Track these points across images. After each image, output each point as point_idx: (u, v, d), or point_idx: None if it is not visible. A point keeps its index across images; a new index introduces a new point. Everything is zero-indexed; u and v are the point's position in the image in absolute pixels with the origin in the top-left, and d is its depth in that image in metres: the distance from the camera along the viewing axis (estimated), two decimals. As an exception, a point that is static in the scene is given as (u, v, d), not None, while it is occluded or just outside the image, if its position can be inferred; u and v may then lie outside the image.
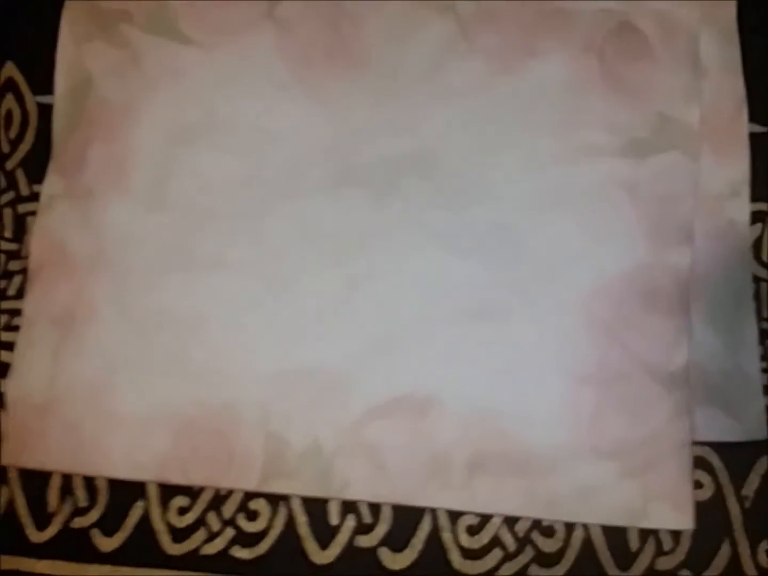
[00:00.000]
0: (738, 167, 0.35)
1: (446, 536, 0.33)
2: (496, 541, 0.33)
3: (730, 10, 0.36)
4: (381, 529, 0.33)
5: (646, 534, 0.33)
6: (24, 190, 0.36)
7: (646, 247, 0.34)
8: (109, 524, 0.33)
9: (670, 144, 0.35)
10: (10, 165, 0.36)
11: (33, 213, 0.36)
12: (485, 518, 0.33)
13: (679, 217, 0.35)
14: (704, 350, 0.34)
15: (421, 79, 0.36)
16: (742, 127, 0.36)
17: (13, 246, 0.36)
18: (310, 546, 0.33)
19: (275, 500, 0.33)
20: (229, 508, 0.33)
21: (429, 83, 0.36)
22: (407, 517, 0.33)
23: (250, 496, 0.33)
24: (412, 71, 0.36)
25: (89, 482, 0.33)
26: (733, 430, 0.33)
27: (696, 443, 0.33)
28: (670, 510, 0.32)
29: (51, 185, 0.35)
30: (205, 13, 0.36)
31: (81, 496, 0.33)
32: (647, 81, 0.36)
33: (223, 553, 0.33)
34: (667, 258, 0.34)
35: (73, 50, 0.36)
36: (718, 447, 0.33)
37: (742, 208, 0.35)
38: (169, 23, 0.36)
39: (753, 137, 0.36)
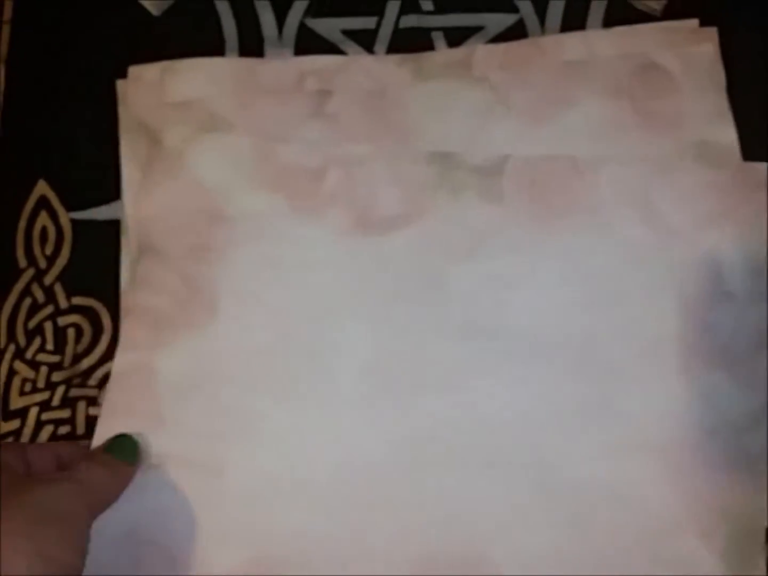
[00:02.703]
0: (758, 399, 0.35)
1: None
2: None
3: (761, 236, 0.36)
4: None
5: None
6: (63, 304, 0.38)
7: None
8: None
9: (713, 167, 0.37)
10: (48, 280, 0.38)
11: (72, 325, 0.38)
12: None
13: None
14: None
15: (464, 143, 0.38)
16: (764, 357, 0.35)
17: (55, 358, 0.37)
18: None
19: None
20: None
21: (472, 145, 0.38)
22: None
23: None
24: (455, 138, 0.38)
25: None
26: None
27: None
28: None
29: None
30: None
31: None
32: (680, 112, 0.37)
33: None
34: None
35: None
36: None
37: (758, 441, 0.34)
38: None
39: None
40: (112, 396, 0.36)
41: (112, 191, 0.39)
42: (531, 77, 0.38)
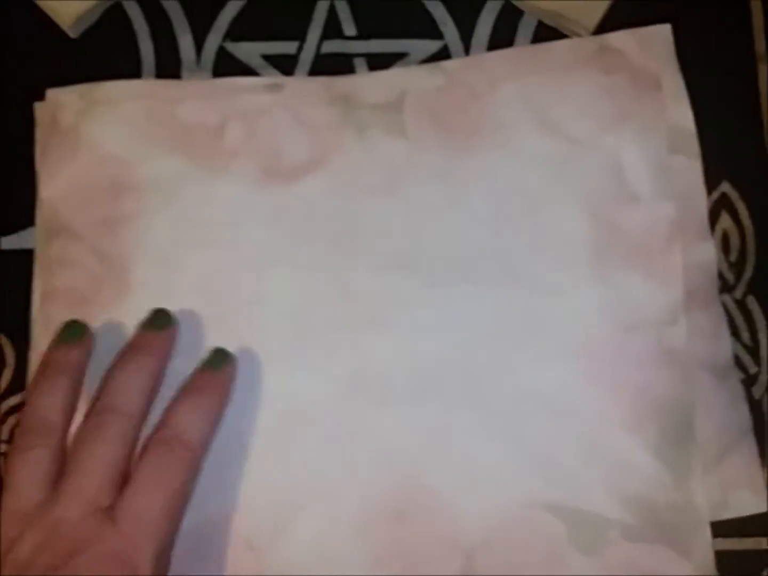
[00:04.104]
0: (674, 294, 0.35)
1: None
2: None
3: (661, 136, 0.36)
4: None
5: None
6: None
7: None
8: None
9: (672, 149, 0.36)
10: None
11: (-25, 359, 0.37)
12: None
13: (695, 216, 0.36)
14: (653, 483, 0.34)
15: (422, 120, 0.37)
16: (676, 253, 0.36)
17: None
18: None
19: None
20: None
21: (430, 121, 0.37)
22: None
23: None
24: (411, 117, 0.37)
25: None
26: (682, 568, 0.33)
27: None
28: (749, 495, 0.34)
29: None
30: None
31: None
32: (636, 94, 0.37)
33: None
34: (694, 257, 0.36)
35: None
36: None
37: (679, 336, 0.35)
38: None
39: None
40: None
41: (22, 219, 0.38)
42: (486, 64, 0.37)
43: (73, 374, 0.32)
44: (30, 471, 0.30)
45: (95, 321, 0.35)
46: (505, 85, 0.37)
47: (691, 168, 0.37)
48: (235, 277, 0.36)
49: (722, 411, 0.34)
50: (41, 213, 0.38)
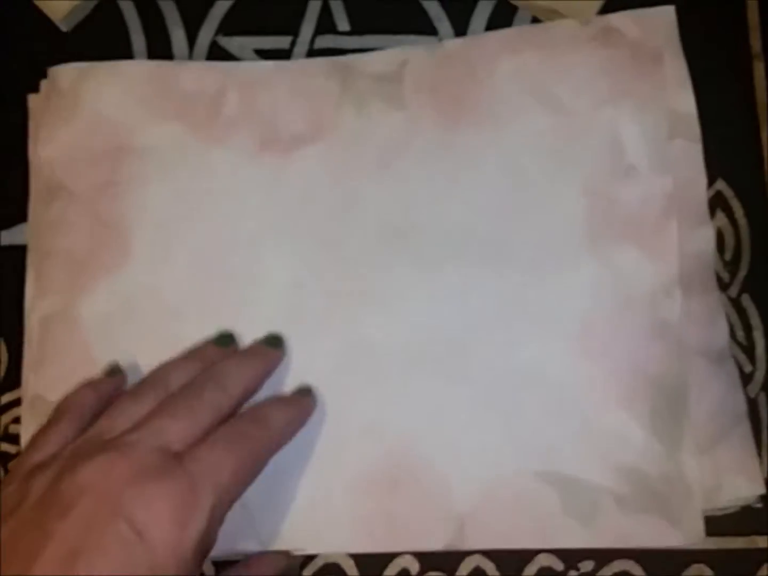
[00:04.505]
0: (669, 267, 0.35)
1: None
2: None
3: (660, 112, 0.36)
4: None
5: None
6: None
7: None
8: None
9: (672, 133, 0.36)
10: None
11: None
12: None
13: (695, 201, 0.36)
14: (645, 454, 0.34)
15: (420, 93, 0.37)
16: (672, 227, 0.35)
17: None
18: None
19: None
20: None
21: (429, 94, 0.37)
22: None
23: None
24: (411, 89, 0.37)
25: None
26: (672, 536, 0.33)
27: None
28: (744, 480, 0.34)
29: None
30: None
31: None
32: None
33: None
34: (692, 242, 0.35)
35: None
36: (640, 557, 0.34)
37: (674, 309, 0.35)
38: None
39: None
40: (38, 343, 0.36)
41: (15, 214, 0.38)
42: (486, 43, 0.37)
43: (204, 364, 0.33)
44: (127, 408, 0.30)
45: (94, 283, 0.36)
46: (504, 61, 0.37)
47: (691, 151, 0.36)
48: (230, 248, 0.36)
49: (718, 395, 0.34)
50: (39, 173, 0.37)
